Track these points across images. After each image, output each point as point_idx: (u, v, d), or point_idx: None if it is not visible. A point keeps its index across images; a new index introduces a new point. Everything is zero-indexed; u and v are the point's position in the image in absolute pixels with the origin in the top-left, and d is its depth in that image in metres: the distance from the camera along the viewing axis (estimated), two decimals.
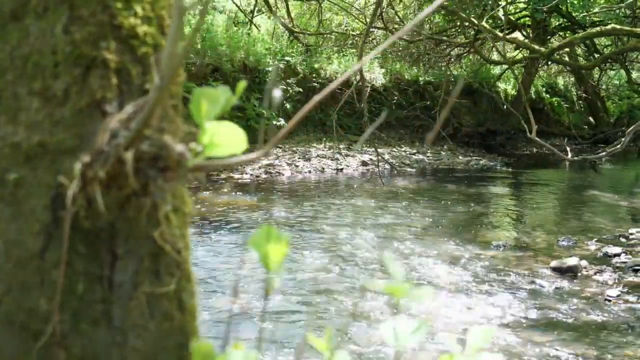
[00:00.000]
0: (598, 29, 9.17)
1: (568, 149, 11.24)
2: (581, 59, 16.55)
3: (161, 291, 0.69)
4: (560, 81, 18.77)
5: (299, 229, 6.20)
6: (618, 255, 5.49)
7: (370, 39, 13.41)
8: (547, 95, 17.19)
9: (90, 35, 0.71)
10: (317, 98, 0.77)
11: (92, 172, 0.63)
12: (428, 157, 12.02)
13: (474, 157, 12.40)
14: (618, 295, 4.41)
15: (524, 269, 5.00)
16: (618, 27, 8.94)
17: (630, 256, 5.47)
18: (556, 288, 4.53)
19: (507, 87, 15.63)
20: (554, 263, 5.05)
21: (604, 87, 18.66)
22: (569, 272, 4.89)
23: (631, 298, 4.35)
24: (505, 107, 13.60)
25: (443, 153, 12.46)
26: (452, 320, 3.84)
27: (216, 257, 5.02)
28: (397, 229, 6.37)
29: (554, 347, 3.48)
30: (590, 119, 17.84)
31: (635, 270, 5.05)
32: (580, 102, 18.31)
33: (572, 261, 4.98)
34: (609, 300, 4.30)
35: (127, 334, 0.67)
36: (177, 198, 0.74)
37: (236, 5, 11.01)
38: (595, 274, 4.94)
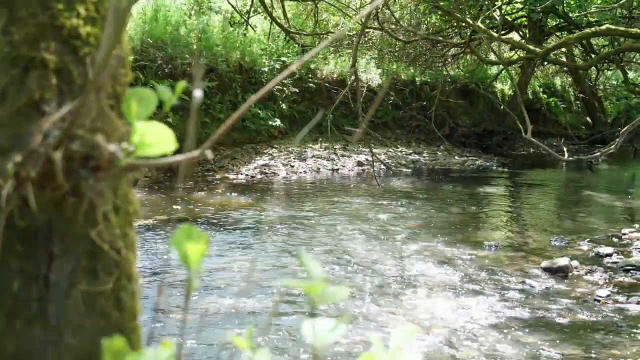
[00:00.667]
0: (593, 29, 9.19)
1: (565, 149, 11.28)
2: (579, 59, 16.56)
3: (98, 290, 0.69)
4: (558, 81, 18.78)
5: (292, 228, 6.21)
6: (610, 255, 5.49)
7: (367, 39, 13.42)
8: (545, 96, 17.19)
9: (29, 36, 0.71)
10: (254, 98, 0.78)
11: (24, 172, 0.63)
12: (424, 157, 12.02)
13: (470, 158, 12.40)
14: (608, 296, 4.41)
15: (515, 269, 5.01)
16: (613, 27, 8.94)
17: (621, 256, 5.47)
18: (546, 288, 4.54)
19: (504, 87, 15.63)
20: (544, 263, 5.05)
21: (601, 87, 18.67)
22: (559, 272, 4.89)
23: (621, 298, 4.36)
24: (502, 107, 13.61)
25: (439, 153, 12.46)
26: (440, 320, 3.84)
27: (207, 258, 5.02)
28: (390, 229, 6.38)
29: (542, 347, 3.49)
30: (588, 119, 17.85)
31: (626, 271, 5.05)
32: (578, 102, 18.32)
33: (562, 261, 4.99)
34: (598, 301, 4.31)
35: (63, 332, 0.68)
36: (119, 197, 0.75)
37: (232, 6, 11.02)
38: (586, 274, 4.94)
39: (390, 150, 12.05)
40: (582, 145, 15.47)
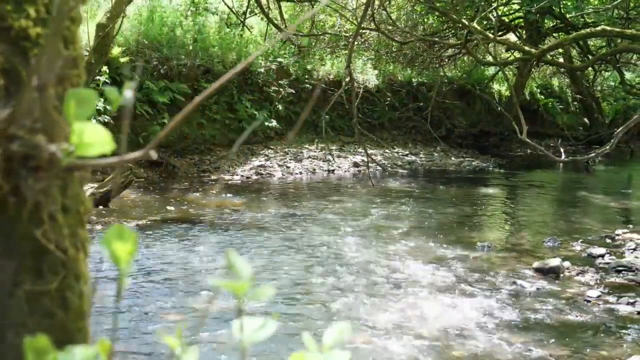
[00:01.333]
0: (588, 30, 9.20)
1: (562, 150, 11.26)
2: (577, 60, 16.57)
3: (42, 289, 0.69)
4: (555, 82, 18.79)
5: (284, 229, 6.21)
6: (602, 256, 5.50)
7: (362, 40, 13.43)
8: (542, 97, 17.20)
9: None
10: (199, 98, 0.78)
11: None
12: (420, 158, 12.03)
13: (467, 158, 12.41)
14: (598, 296, 4.41)
15: (507, 270, 5.01)
16: (608, 28, 8.94)
17: (614, 257, 5.48)
18: (537, 289, 4.54)
19: (502, 88, 15.64)
20: (536, 264, 5.06)
21: (599, 88, 18.68)
22: (551, 273, 4.89)
23: (611, 299, 4.36)
24: (499, 108, 13.61)
25: (436, 154, 12.47)
26: (429, 320, 3.85)
27: (197, 258, 5.03)
28: (384, 229, 6.38)
29: (529, 347, 3.49)
30: (586, 120, 17.87)
31: (618, 271, 5.06)
32: (576, 103, 18.33)
33: (554, 262, 4.99)
34: (589, 301, 4.31)
35: (6, 331, 0.68)
36: (69, 197, 0.75)
37: (228, 7, 11.03)
38: (577, 274, 4.94)
39: (387, 151, 12.05)
40: (580, 146, 15.49)
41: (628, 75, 19.34)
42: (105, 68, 8.47)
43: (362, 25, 11.71)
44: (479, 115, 14.61)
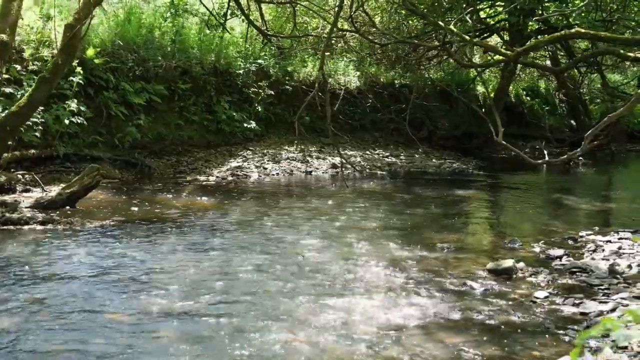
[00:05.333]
0: (563, 32, 9.24)
1: (545, 152, 11.24)
2: (563, 63, 16.61)
3: None
4: (542, 84, 18.83)
5: (247, 230, 6.23)
6: (560, 257, 5.52)
7: (344, 42, 13.46)
8: (528, 99, 17.24)
9: None
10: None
11: None
12: (401, 159, 12.05)
13: (448, 160, 12.43)
14: (546, 297, 4.43)
15: (461, 271, 5.03)
16: (582, 30, 8.98)
17: (571, 258, 5.50)
18: (486, 290, 4.56)
19: (487, 90, 15.66)
20: (490, 265, 5.08)
21: (585, 90, 18.72)
22: (503, 274, 4.91)
23: (558, 300, 4.38)
24: (482, 110, 13.63)
25: (417, 156, 12.50)
26: (369, 320, 3.86)
27: (154, 259, 5.04)
28: (348, 231, 6.40)
29: (463, 347, 3.51)
30: (572, 122, 17.91)
31: (572, 273, 5.07)
32: (563, 105, 18.38)
33: (507, 263, 5.01)
34: (535, 302, 4.33)
35: None
36: None
37: (207, 9, 11.05)
38: (530, 275, 4.96)
39: (367, 152, 12.08)
40: (564, 148, 15.53)
41: (617, 76, 19.37)
42: (79, 69, 8.49)
43: (345, 27, 11.74)
44: (462, 117, 14.64)
